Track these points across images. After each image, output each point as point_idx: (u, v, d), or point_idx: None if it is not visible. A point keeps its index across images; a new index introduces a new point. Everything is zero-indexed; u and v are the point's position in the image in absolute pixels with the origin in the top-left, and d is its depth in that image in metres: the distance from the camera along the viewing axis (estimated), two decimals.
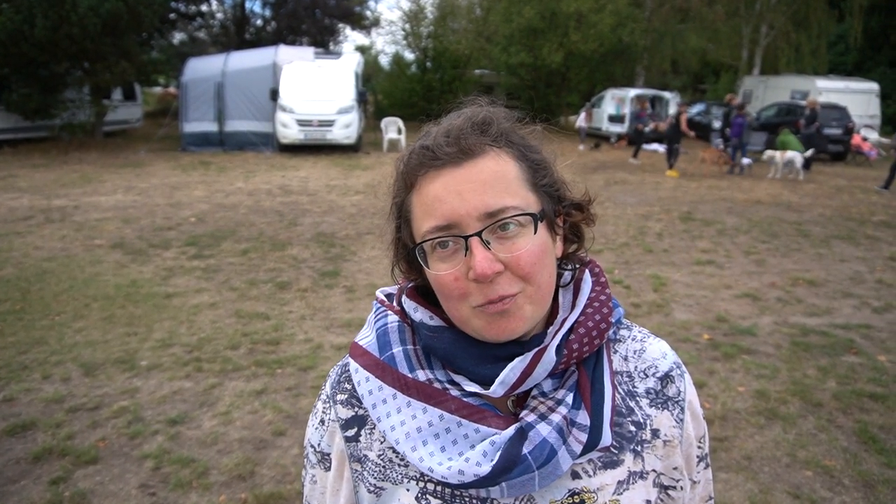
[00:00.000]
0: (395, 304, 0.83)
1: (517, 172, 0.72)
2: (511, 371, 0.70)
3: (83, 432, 3.35)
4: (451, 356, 0.73)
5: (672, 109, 20.38)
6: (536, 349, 0.72)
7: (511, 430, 0.70)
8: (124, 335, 4.63)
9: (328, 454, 0.81)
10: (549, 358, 0.71)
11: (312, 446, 0.83)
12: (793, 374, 4.17)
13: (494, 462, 0.68)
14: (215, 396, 3.77)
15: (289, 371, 4.11)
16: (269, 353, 4.39)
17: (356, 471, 0.79)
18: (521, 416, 0.72)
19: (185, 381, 3.95)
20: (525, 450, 0.68)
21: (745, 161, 14.10)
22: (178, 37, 29.02)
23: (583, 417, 0.71)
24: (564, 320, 0.76)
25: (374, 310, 0.83)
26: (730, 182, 12.94)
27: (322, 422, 0.82)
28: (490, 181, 0.69)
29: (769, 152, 13.77)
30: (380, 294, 0.86)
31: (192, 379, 3.99)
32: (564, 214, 0.78)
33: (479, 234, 0.68)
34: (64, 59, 15.15)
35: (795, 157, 13.29)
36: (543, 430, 0.69)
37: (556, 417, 0.70)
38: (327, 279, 6.06)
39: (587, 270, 0.83)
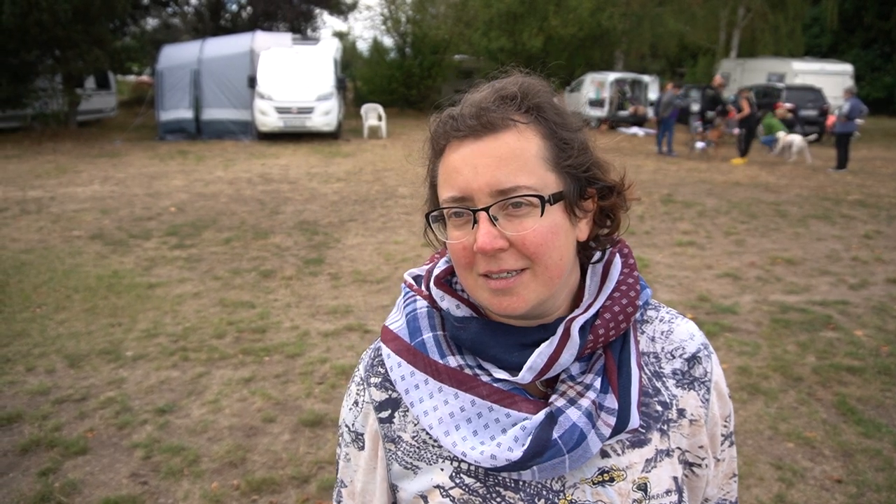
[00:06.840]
0: (423, 287, 0.83)
1: (538, 150, 0.71)
2: (539, 356, 0.71)
3: (70, 423, 3.33)
4: (479, 345, 0.74)
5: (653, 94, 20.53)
6: (561, 334, 0.72)
7: (541, 415, 0.71)
8: (108, 326, 4.58)
9: (361, 434, 0.83)
10: (574, 342, 0.72)
11: (347, 426, 0.85)
12: (773, 350, 4.27)
13: (525, 447, 0.69)
14: (203, 385, 3.75)
15: (276, 358, 4.11)
16: (256, 341, 4.37)
17: (390, 450, 0.81)
18: (550, 400, 0.73)
19: (171, 371, 3.92)
20: (555, 434, 0.69)
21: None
22: (151, 23, 28.45)
23: (611, 401, 0.72)
24: (590, 305, 0.76)
25: (402, 294, 0.83)
26: (708, 164, 13.08)
27: (356, 403, 0.83)
28: (506, 157, 0.69)
29: (780, 134, 13.76)
30: (408, 277, 0.85)
31: (179, 368, 3.97)
32: (598, 197, 0.76)
33: (486, 209, 0.69)
34: (34, 46, 14.77)
35: (795, 139, 13.33)
36: (573, 414, 0.70)
37: (585, 402, 0.71)
38: (312, 267, 6.04)
39: (617, 253, 0.82)
